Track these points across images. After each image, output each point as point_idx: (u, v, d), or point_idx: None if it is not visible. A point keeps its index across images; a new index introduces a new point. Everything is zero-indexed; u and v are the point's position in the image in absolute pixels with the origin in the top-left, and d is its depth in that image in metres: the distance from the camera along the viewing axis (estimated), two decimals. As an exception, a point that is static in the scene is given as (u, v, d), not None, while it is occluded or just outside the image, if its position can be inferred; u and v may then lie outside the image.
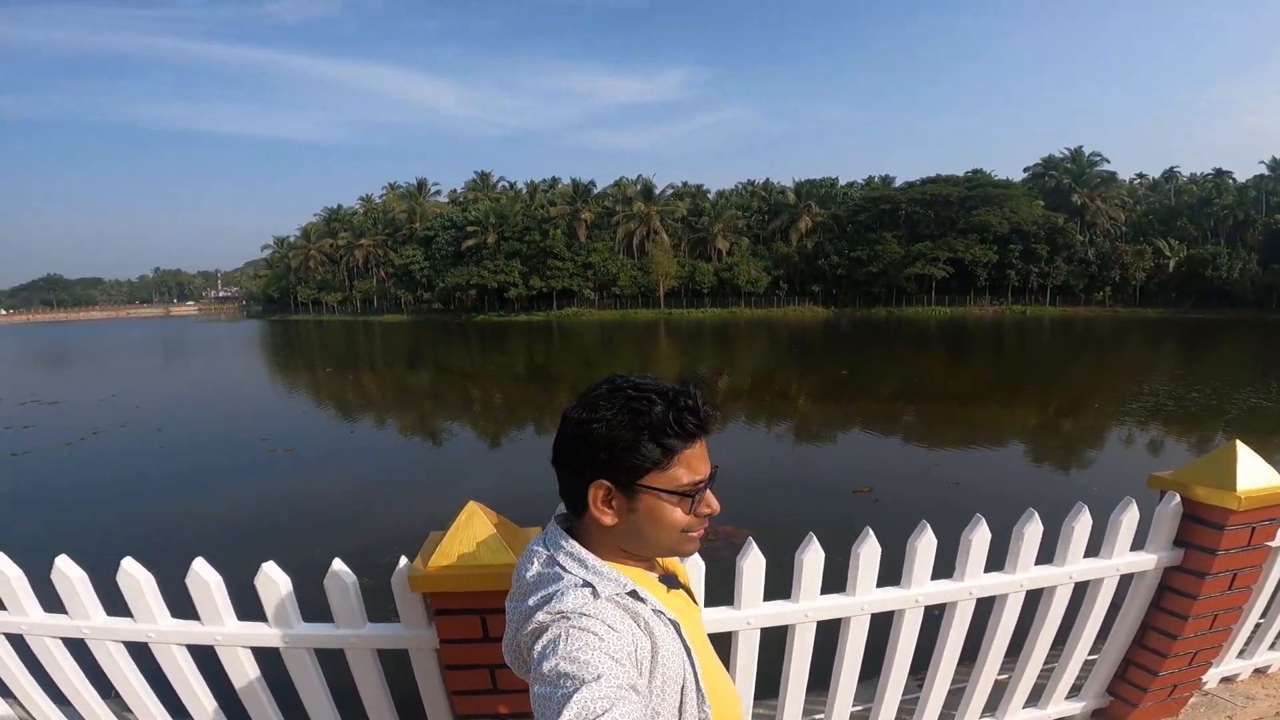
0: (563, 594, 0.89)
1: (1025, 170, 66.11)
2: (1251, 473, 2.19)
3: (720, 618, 1.82)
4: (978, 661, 2.23)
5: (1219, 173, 61.71)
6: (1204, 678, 2.57)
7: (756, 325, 51.90)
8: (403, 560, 1.64)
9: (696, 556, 1.70)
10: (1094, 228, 59.12)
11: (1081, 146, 63.26)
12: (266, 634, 1.71)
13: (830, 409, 17.80)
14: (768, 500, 9.92)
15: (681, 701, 0.90)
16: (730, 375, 25.71)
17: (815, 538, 1.87)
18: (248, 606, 1.77)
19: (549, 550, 0.97)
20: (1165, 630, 2.36)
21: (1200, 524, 2.26)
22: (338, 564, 1.67)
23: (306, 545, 7.73)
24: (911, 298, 59.40)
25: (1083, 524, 2.13)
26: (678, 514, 0.94)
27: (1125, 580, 2.33)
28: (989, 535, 2.02)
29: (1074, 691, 2.54)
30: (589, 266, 62.71)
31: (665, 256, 61.74)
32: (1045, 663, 2.33)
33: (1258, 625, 2.72)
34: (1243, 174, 62.35)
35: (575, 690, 0.75)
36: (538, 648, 0.84)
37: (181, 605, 1.78)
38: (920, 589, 1.97)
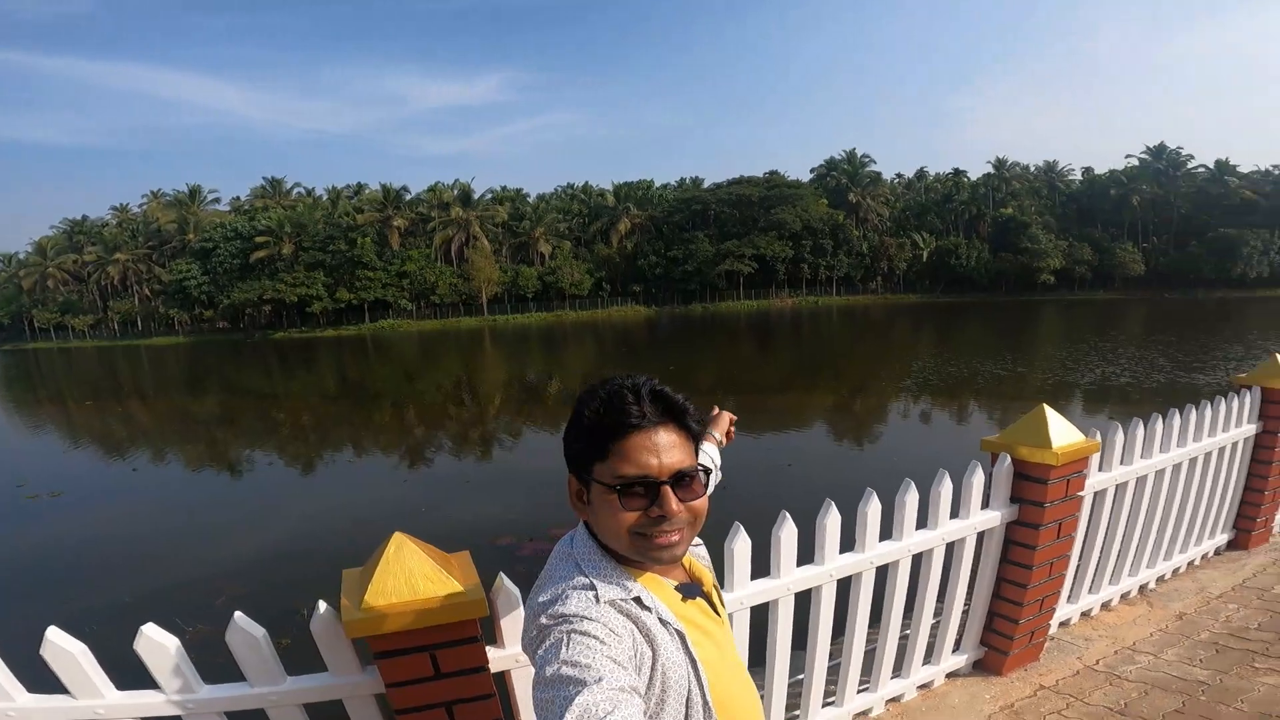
0: (566, 596, 0.89)
1: (811, 171, 73.21)
2: (1061, 432, 2.54)
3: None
4: (881, 625, 2.47)
5: (957, 172, 72.94)
6: (1049, 623, 2.83)
7: (583, 327, 52.55)
8: (322, 605, 1.52)
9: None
10: (866, 223, 67.51)
11: (855, 149, 71.48)
12: (162, 702, 1.50)
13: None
14: None
15: (687, 714, 0.89)
16: (562, 379, 25.81)
17: (788, 517, 2.03)
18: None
19: (570, 547, 0.99)
20: (1016, 581, 2.65)
21: (1030, 480, 2.56)
22: (240, 618, 1.51)
23: (107, 594, 6.93)
24: (723, 294, 63.70)
25: (946, 489, 2.38)
26: (622, 512, 0.90)
27: (978, 539, 2.61)
28: (880, 507, 2.25)
29: (958, 646, 2.81)
30: (404, 276, 59.30)
31: (486, 262, 60.24)
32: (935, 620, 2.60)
33: (1076, 570, 3.05)
34: (975, 173, 73.93)
35: (577, 694, 0.75)
36: (539, 652, 0.84)
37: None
38: (834, 563, 2.16)
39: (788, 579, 2.07)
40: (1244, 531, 3.99)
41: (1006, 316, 44.01)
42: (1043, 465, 2.53)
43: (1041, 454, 2.51)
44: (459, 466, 13.70)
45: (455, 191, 63.75)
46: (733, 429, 1.73)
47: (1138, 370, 19.83)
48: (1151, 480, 3.28)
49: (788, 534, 2.06)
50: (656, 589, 0.95)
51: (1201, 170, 67.03)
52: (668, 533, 0.91)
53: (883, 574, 2.38)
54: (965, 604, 2.76)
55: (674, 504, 0.90)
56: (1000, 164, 71.06)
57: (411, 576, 1.47)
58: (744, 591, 2.00)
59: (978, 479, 2.50)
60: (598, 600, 0.88)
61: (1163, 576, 3.64)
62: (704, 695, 0.90)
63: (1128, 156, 75.72)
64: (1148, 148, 68.62)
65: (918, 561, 2.48)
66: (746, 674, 1.06)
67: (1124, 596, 3.45)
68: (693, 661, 0.91)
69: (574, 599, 0.88)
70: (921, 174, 78.97)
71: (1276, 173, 65.62)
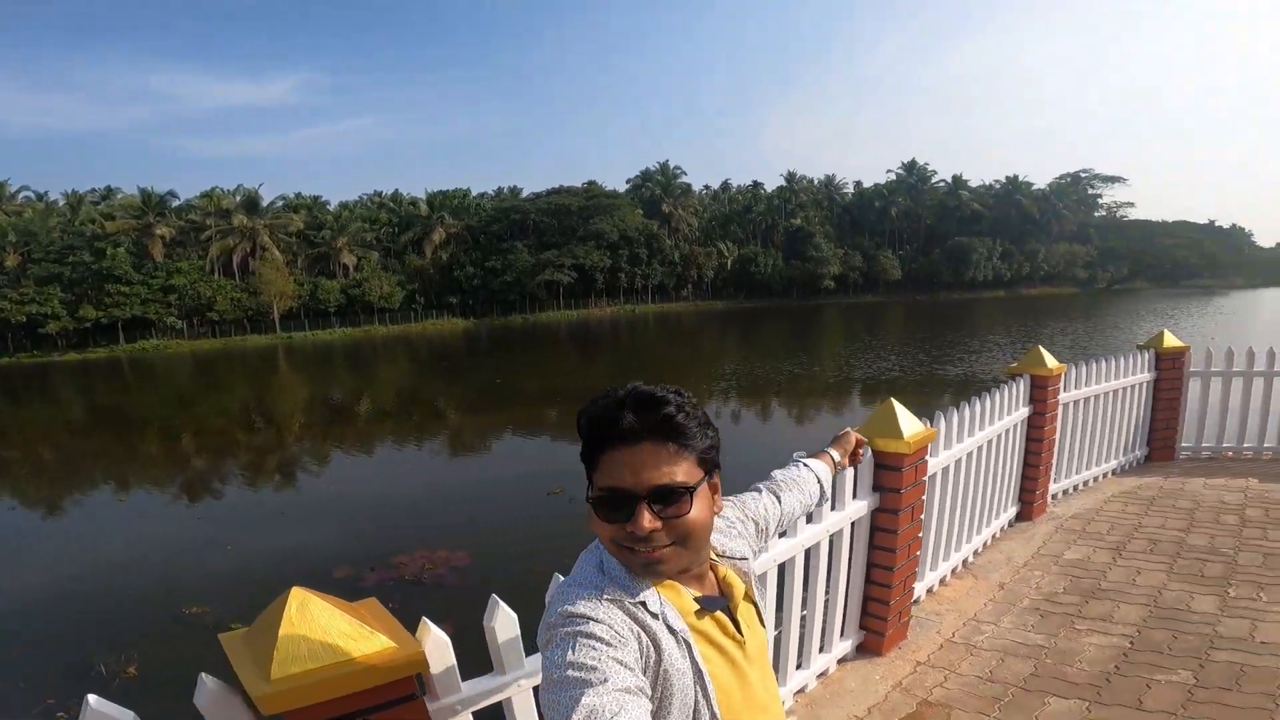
0: (575, 595, 0.88)
1: (628, 182, 75.91)
2: (909, 422, 2.79)
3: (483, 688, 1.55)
4: (783, 622, 2.52)
5: (755, 184, 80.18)
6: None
7: (395, 342, 49.38)
8: (208, 680, 1.24)
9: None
10: (678, 233, 71.38)
11: (668, 160, 75.34)
12: None
13: (497, 417, 18.01)
14: (475, 515, 9.65)
15: None
16: (374, 396, 23.96)
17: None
18: None
19: (597, 546, 0.98)
20: (884, 564, 2.85)
21: (888, 469, 2.78)
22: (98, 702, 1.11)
23: None
24: (543, 304, 63.49)
25: (836, 484, 2.49)
26: (599, 521, 0.91)
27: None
28: None
29: (843, 633, 2.92)
30: (171, 290, 51.35)
31: (278, 275, 54.07)
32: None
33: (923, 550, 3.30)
34: (771, 185, 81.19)
35: (582, 695, 0.74)
36: (547, 653, 0.84)
37: None
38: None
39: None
40: (1027, 504, 4.66)
41: (799, 320, 48.95)
42: (897, 454, 2.76)
43: (896, 444, 2.75)
44: (266, 497, 12.19)
45: (238, 198, 56.69)
46: (861, 451, 1.66)
47: (904, 364, 23.03)
48: (963, 462, 3.70)
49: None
50: (674, 597, 0.93)
51: (942, 185, 79.91)
52: (647, 550, 0.88)
53: (781, 571, 2.43)
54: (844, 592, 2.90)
55: (645, 520, 0.86)
56: (791, 177, 79.03)
57: (328, 635, 1.26)
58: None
59: (849, 472, 2.64)
60: (604, 600, 0.87)
61: (977, 550, 4.12)
62: (711, 709, 0.88)
63: (888, 171, 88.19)
64: (902, 163, 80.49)
65: (809, 555, 2.56)
66: (769, 700, 0.99)
67: (954, 572, 3.85)
68: (699, 672, 0.88)
69: (582, 598, 0.88)
70: (726, 186, 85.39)
71: (997, 187, 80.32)
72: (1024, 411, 4.45)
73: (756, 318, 53.58)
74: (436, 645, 1.45)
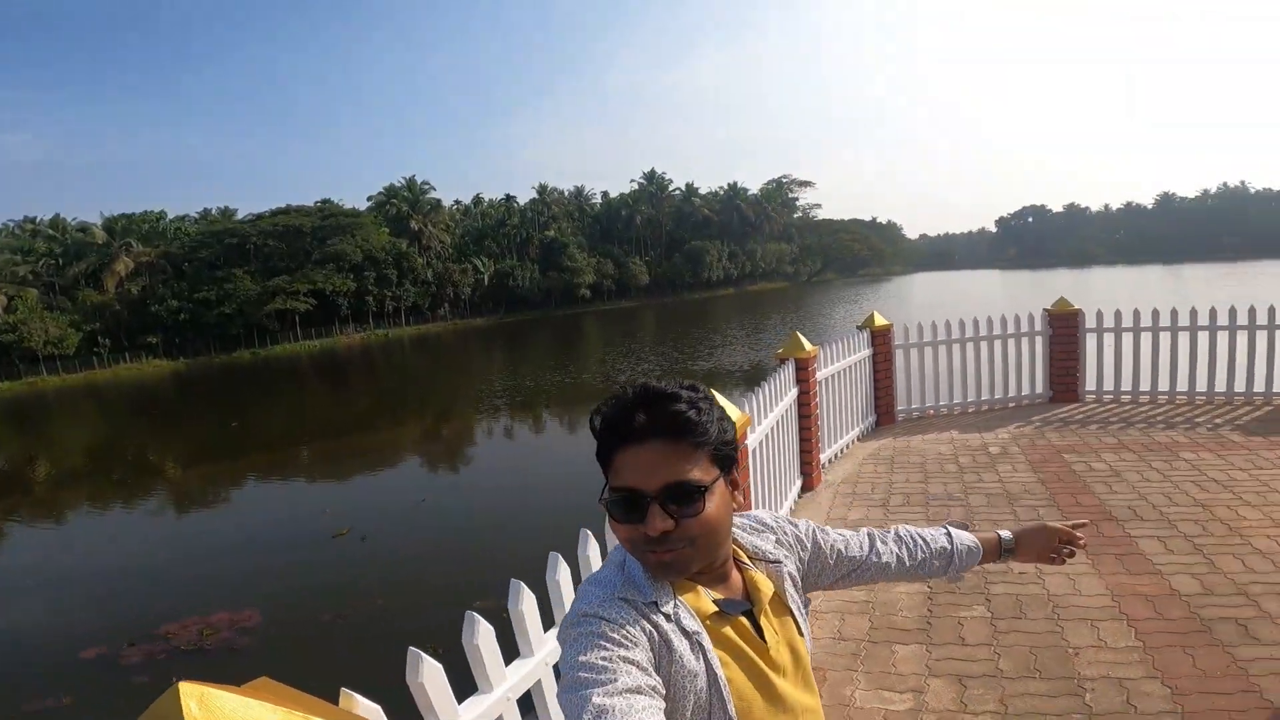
0: (592, 595, 0.88)
1: (369, 199, 70.67)
2: (733, 411, 2.99)
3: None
4: None
5: (508, 198, 79.62)
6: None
7: (76, 394, 39.95)
8: None
9: None
10: (429, 250, 68.28)
11: (415, 175, 71.69)
12: None
13: (245, 464, 15.56)
14: (252, 570, 8.46)
15: None
16: (52, 459, 19.14)
17: (525, 586, 1.71)
18: None
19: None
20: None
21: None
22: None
23: None
24: (276, 336, 56.24)
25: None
26: (616, 522, 0.89)
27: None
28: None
29: None
30: None
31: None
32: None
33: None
34: (524, 198, 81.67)
35: (592, 694, 0.74)
36: (563, 651, 0.84)
37: None
38: None
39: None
40: (808, 475, 5.31)
41: (560, 330, 50.07)
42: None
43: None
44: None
45: None
46: (1067, 551, 1.28)
47: (662, 363, 24.85)
48: (764, 442, 4.09)
49: (563, 576, 1.88)
50: (691, 598, 0.90)
51: (677, 192, 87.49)
52: (661, 551, 0.86)
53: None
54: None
55: (656, 521, 0.85)
56: (542, 189, 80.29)
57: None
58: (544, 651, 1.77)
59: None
60: (617, 599, 0.86)
61: None
62: (727, 714, 0.85)
63: (631, 180, 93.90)
64: (644, 173, 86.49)
65: None
66: (800, 712, 0.94)
67: None
68: (713, 675, 0.86)
69: (597, 598, 0.87)
70: (478, 200, 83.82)
71: (722, 193, 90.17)
72: (794, 392, 5.05)
73: (519, 331, 53.54)
74: (372, 715, 1.27)
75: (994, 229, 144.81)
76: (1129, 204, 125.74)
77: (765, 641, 0.92)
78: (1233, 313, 6.59)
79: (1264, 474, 4.60)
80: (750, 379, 19.33)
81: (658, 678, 0.81)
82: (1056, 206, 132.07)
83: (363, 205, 69.47)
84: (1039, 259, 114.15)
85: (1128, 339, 6.97)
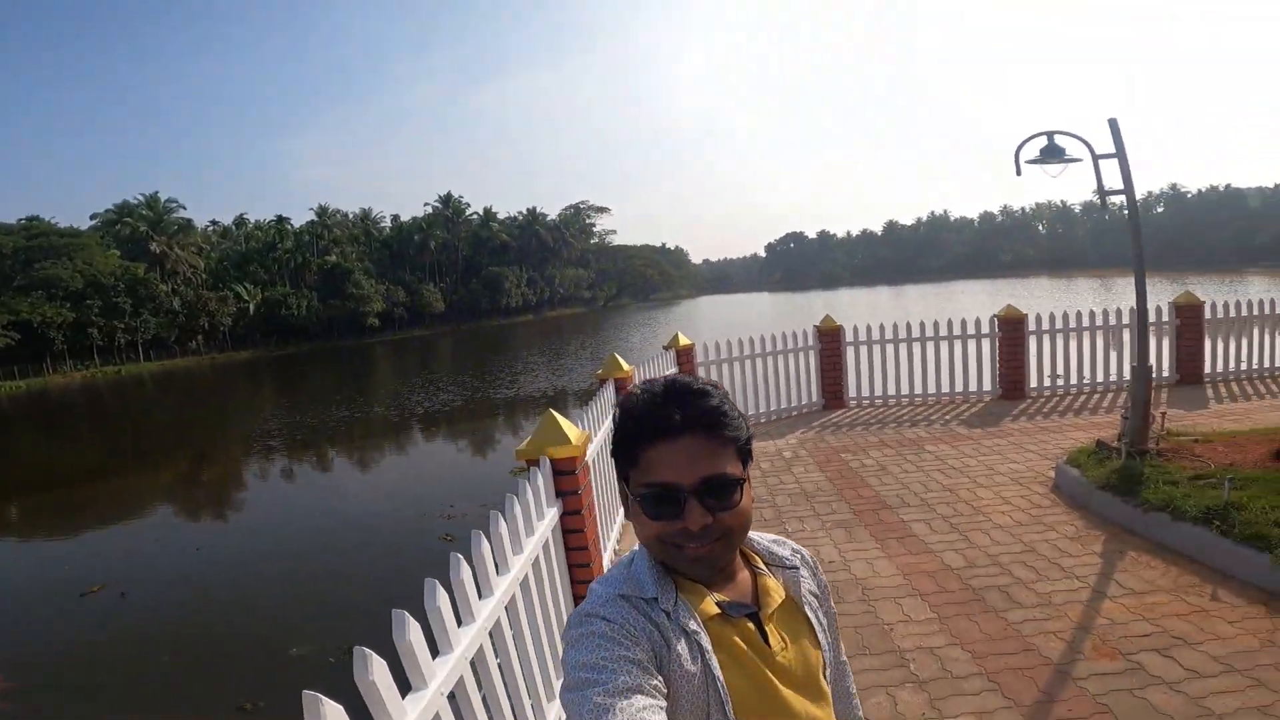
0: (595, 595, 0.90)
1: (93, 218, 59.96)
2: (571, 428, 3.04)
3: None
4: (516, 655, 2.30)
5: (280, 219, 71.30)
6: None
7: None
8: None
9: None
10: (176, 276, 58.98)
11: (158, 192, 61.76)
12: None
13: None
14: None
15: None
16: None
17: (409, 616, 1.54)
18: None
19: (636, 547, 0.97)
20: (582, 563, 3.00)
21: (565, 474, 2.97)
22: None
23: None
24: (-44, 379, 44.56)
25: (519, 512, 2.41)
26: (645, 519, 0.88)
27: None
28: (484, 557, 2.07)
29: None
30: None
31: None
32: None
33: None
34: (300, 220, 73.54)
35: (591, 694, 0.75)
36: (565, 649, 0.85)
37: None
38: (463, 646, 1.82)
39: (434, 685, 1.73)
40: None
41: (346, 361, 46.11)
42: (570, 459, 3.01)
43: (568, 449, 3.00)
44: None
45: None
46: None
47: (463, 393, 23.98)
48: (595, 460, 4.13)
49: (417, 635, 1.72)
50: (693, 599, 0.89)
51: (475, 217, 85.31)
52: (696, 546, 0.86)
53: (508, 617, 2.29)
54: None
55: (697, 515, 0.84)
56: (323, 211, 73.49)
57: None
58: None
59: (530, 495, 2.63)
60: (617, 598, 0.87)
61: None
62: (725, 716, 0.84)
63: (425, 204, 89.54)
64: (439, 196, 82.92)
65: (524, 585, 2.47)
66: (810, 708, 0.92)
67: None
68: (711, 677, 0.85)
69: (599, 597, 0.89)
70: (241, 221, 74.29)
71: (521, 219, 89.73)
72: (616, 411, 5.18)
73: (294, 364, 48.26)
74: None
75: (764, 254, 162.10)
76: (864, 231, 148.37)
77: (770, 647, 0.90)
78: (950, 325, 8.10)
79: (988, 459, 5.68)
80: (555, 405, 19.43)
81: (659, 677, 0.81)
82: (812, 233, 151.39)
83: (85, 224, 58.45)
84: (799, 282, 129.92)
85: (877, 350, 8.22)
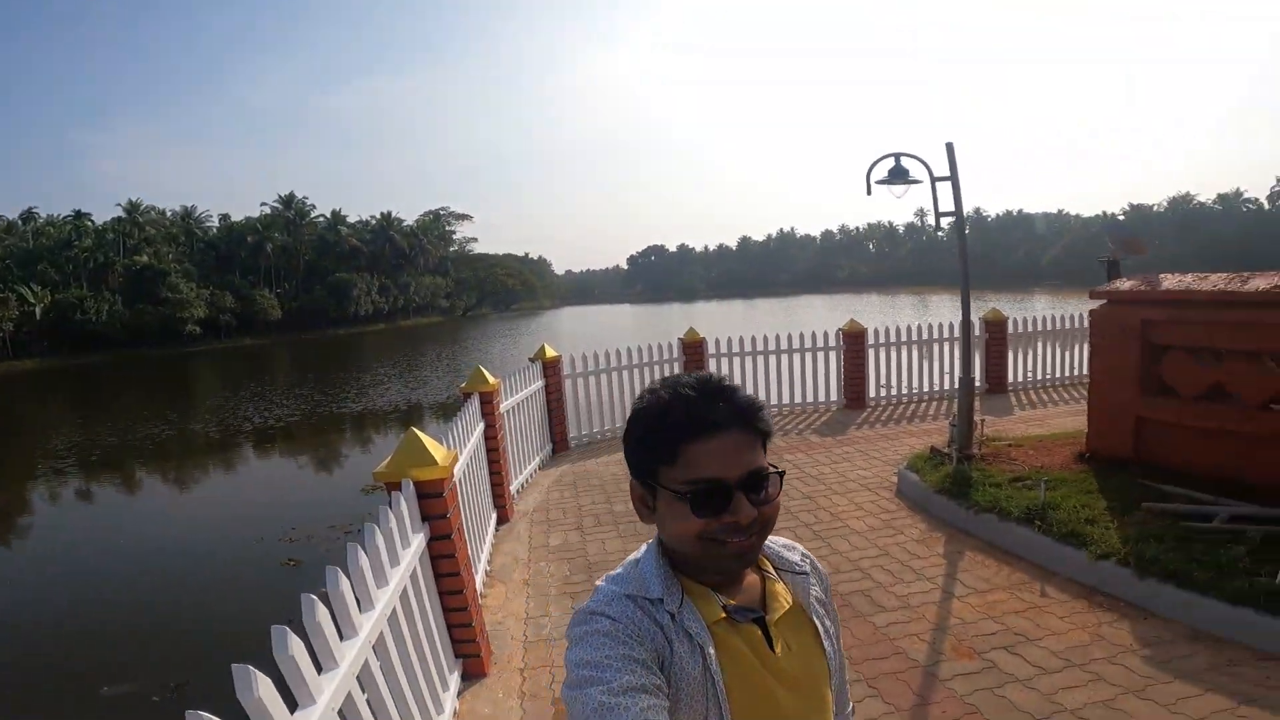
0: (600, 593, 0.90)
1: None
2: (436, 447, 2.87)
3: None
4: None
5: (78, 215, 61.67)
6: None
7: None
8: None
9: None
10: (-68, 275, 49.05)
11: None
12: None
13: None
14: None
15: None
16: None
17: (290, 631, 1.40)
18: None
19: (646, 546, 0.96)
20: (455, 590, 2.84)
21: (432, 498, 2.79)
22: None
23: None
24: None
25: (381, 542, 2.25)
26: (684, 517, 0.85)
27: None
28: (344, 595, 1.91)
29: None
30: None
31: None
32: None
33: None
34: (104, 216, 64.30)
35: (593, 692, 0.75)
36: (569, 647, 0.85)
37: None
38: (330, 690, 1.66)
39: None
40: (502, 508, 5.28)
41: (160, 372, 40.72)
42: (437, 481, 2.83)
43: (434, 471, 2.82)
44: None
45: None
46: None
47: (302, 407, 21.97)
48: (462, 481, 3.88)
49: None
50: (698, 600, 0.89)
51: (321, 220, 79.04)
52: (740, 540, 0.86)
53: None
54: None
55: (746, 509, 0.85)
56: (134, 207, 64.48)
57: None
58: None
59: (393, 522, 2.43)
60: (622, 596, 0.88)
61: (489, 557, 4.50)
62: (722, 713, 0.84)
63: (263, 204, 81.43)
64: (280, 196, 75.65)
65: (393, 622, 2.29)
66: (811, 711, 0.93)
67: (483, 582, 4.08)
68: (711, 681, 0.85)
69: (604, 595, 0.89)
70: (30, 216, 63.29)
71: (374, 223, 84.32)
72: (481, 426, 4.95)
73: (92, 375, 41.83)
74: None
75: (626, 266, 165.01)
76: (721, 245, 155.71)
77: (775, 652, 0.90)
78: (801, 338, 8.63)
79: (839, 467, 6.06)
80: (410, 419, 18.36)
81: (661, 676, 0.81)
82: (672, 246, 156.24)
83: None
84: (659, 294, 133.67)
85: (737, 362, 8.56)
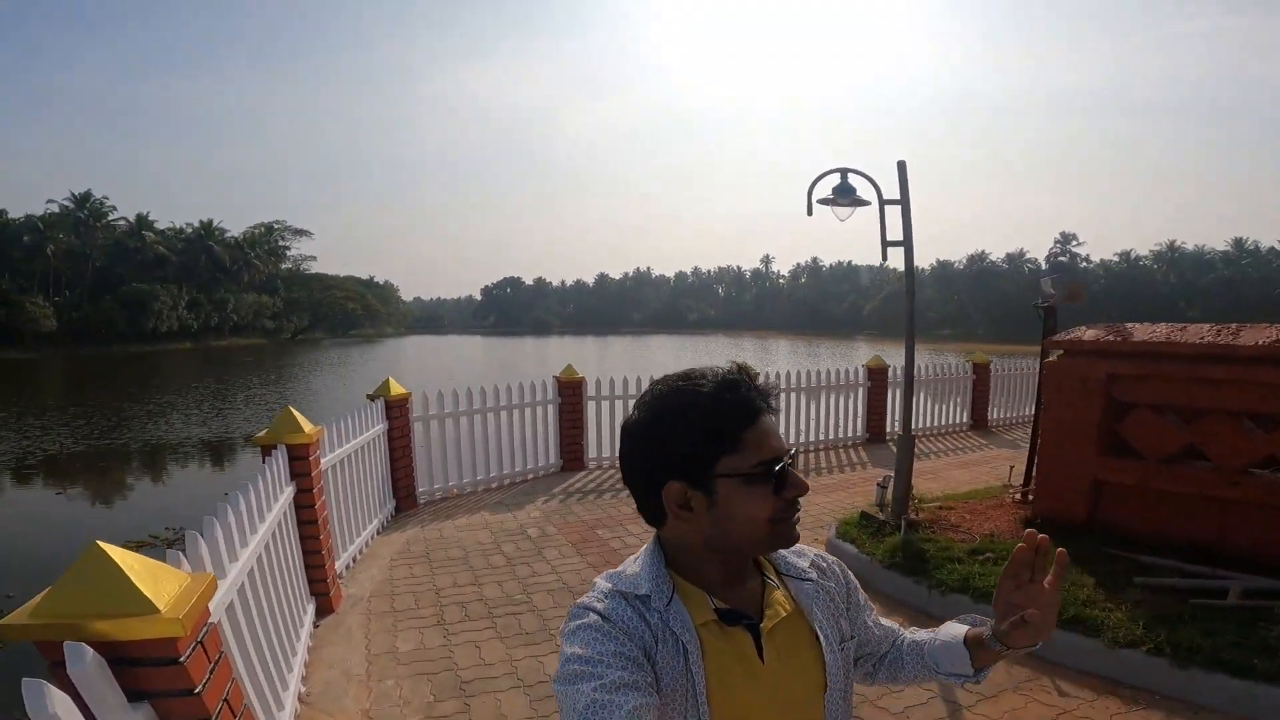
0: (595, 589, 0.90)
1: None
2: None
3: None
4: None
5: None
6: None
7: None
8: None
9: None
10: None
11: None
12: None
13: None
14: None
15: None
16: None
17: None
18: None
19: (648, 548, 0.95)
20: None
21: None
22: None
23: None
24: None
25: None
26: (760, 500, 0.84)
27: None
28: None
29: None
30: None
31: None
32: None
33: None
34: None
35: (583, 687, 0.75)
36: (561, 642, 0.85)
37: None
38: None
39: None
40: (323, 595, 3.82)
41: None
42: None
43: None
44: None
45: None
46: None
47: (75, 434, 17.69)
48: (246, 586, 2.47)
49: None
50: (693, 605, 0.87)
51: (122, 223, 68.74)
52: (795, 516, 0.87)
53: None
54: None
55: (802, 480, 0.86)
56: None
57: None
58: None
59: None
60: (614, 593, 0.88)
61: (303, 675, 2.91)
62: (699, 712, 0.83)
63: (49, 202, 69.39)
64: (73, 195, 65.08)
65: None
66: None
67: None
68: (690, 679, 0.83)
69: (598, 590, 0.90)
70: None
71: (189, 232, 74.40)
72: (290, 491, 3.51)
73: None
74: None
75: (479, 296, 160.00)
76: (578, 281, 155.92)
77: (763, 661, 0.88)
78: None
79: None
80: (213, 457, 15.30)
81: (652, 674, 0.81)
82: (529, 279, 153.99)
83: None
84: (512, 326, 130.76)
85: (620, 405, 7.56)
